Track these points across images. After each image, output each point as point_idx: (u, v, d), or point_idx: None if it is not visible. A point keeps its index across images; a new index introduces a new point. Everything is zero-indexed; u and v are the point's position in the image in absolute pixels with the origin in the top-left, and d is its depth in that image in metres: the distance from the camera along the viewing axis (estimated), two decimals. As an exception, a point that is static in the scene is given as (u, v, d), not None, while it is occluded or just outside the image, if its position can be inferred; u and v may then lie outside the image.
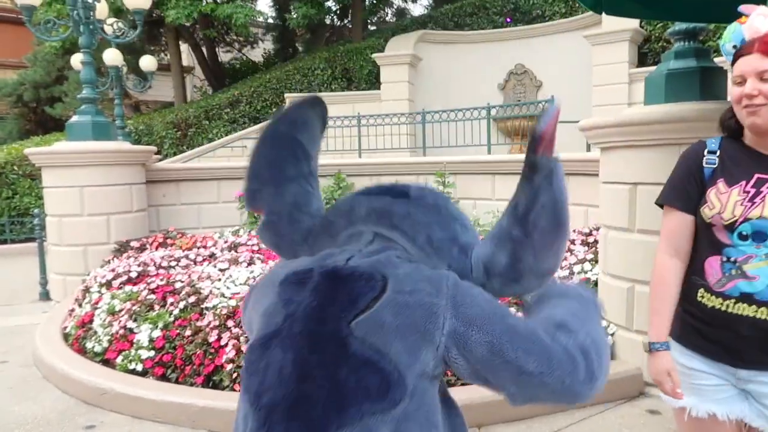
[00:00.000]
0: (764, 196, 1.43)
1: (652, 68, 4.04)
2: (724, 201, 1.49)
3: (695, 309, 1.55)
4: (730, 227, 1.47)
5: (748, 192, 1.46)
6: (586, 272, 3.98)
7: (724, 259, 1.48)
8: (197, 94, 19.09)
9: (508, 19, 13.02)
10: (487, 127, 8.50)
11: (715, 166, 1.55)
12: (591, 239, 4.48)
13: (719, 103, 3.16)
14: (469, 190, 6.47)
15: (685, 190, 1.59)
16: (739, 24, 1.54)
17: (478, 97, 10.41)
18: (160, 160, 10.72)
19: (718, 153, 1.56)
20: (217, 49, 18.73)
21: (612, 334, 3.47)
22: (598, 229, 4.12)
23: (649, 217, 3.25)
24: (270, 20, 19.38)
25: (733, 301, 1.46)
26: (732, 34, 1.55)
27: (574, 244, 4.50)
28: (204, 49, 17.92)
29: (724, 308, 1.47)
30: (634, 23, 9.55)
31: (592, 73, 10.19)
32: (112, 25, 7.33)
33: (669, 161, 3.14)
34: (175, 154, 12.22)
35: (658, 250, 1.65)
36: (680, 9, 3.30)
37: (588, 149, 6.12)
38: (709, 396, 1.56)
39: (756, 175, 1.47)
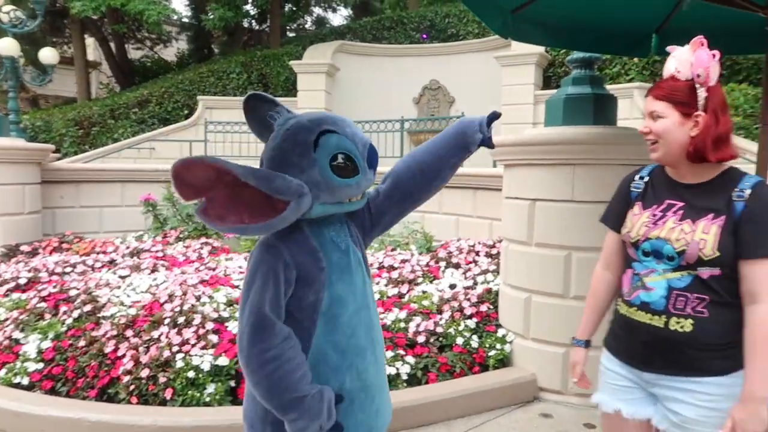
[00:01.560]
0: (666, 220, 1.60)
1: (555, 91, 4.33)
2: (635, 222, 1.67)
3: (615, 316, 1.76)
4: (635, 245, 1.65)
5: (656, 215, 1.63)
6: (488, 282, 4.17)
7: (634, 272, 1.66)
8: (103, 91, 18.11)
9: (425, 36, 13.39)
10: (401, 140, 8.68)
11: (640, 190, 1.72)
12: (494, 251, 4.69)
13: (609, 128, 3.43)
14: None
15: (614, 210, 1.80)
16: None
17: (393, 110, 10.61)
18: (59, 159, 10.05)
19: (646, 179, 1.73)
20: (126, 46, 17.87)
21: (510, 342, 3.65)
22: (500, 241, 4.33)
23: (545, 231, 3.46)
24: (185, 19, 18.78)
25: (635, 308, 1.64)
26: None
27: (479, 256, 4.69)
28: (112, 45, 17.06)
29: (629, 315, 1.66)
30: (540, 48, 10.10)
31: (501, 93, 10.67)
32: (8, 13, 6.85)
33: (564, 180, 3.39)
34: (76, 153, 11.50)
35: (597, 263, 1.90)
36: (578, 39, 3.57)
37: (494, 165, 6.39)
38: (619, 395, 1.72)
39: (666, 201, 1.63)
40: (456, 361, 3.48)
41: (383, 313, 3.80)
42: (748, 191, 1.51)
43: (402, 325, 3.66)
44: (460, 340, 3.59)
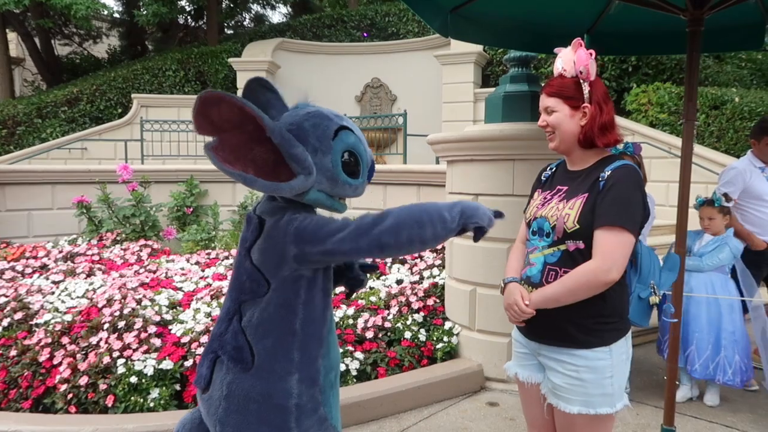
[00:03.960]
0: (551, 202, 1.78)
1: (493, 89, 4.44)
2: (531, 205, 1.86)
3: None
4: (528, 225, 1.83)
5: (546, 198, 1.81)
6: (434, 277, 4.24)
7: (527, 250, 1.84)
8: (28, 89, 17.18)
9: (365, 34, 13.42)
10: (345, 138, 8.67)
11: (547, 179, 1.91)
12: (439, 246, 4.76)
13: (546, 124, 3.56)
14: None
15: (529, 200, 1.96)
16: None
17: (336, 107, 10.39)
18: (-19, 160, 9.49)
19: (554, 170, 1.92)
20: (53, 41, 17.00)
21: (456, 334, 3.73)
22: (445, 236, 4.40)
23: (488, 225, 3.55)
24: (116, 15, 18.04)
25: (523, 282, 1.80)
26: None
27: (424, 251, 4.76)
28: (37, 40, 16.18)
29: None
30: (478, 47, 10.33)
31: (442, 91, 10.84)
32: None
33: (505, 174, 3.49)
34: (0, 154, 10.89)
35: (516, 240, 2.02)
36: (515, 39, 3.68)
37: (437, 161, 6.49)
38: (519, 362, 1.91)
39: (557, 187, 1.82)
40: (405, 354, 3.52)
41: (331, 310, 3.80)
42: (608, 173, 1.67)
43: (350, 321, 3.67)
44: (408, 334, 3.63)
